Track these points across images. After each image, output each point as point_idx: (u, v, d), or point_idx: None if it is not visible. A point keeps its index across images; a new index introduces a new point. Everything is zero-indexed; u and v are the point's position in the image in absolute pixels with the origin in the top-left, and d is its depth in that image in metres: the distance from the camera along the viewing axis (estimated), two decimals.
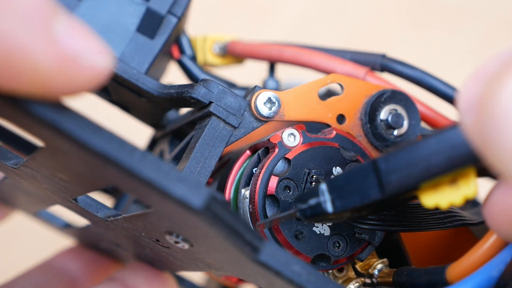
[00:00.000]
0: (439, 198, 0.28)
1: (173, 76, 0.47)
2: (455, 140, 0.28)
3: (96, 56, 0.25)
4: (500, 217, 0.27)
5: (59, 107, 0.25)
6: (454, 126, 0.28)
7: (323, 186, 0.30)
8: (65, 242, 0.48)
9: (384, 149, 0.36)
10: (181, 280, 0.47)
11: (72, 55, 0.24)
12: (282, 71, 0.45)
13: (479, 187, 0.28)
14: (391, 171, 0.29)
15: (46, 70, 0.23)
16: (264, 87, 0.42)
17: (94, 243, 0.44)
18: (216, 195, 0.27)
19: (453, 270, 0.31)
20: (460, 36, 0.88)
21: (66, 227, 0.45)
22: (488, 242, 0.30)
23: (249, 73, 0.52)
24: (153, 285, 0.39)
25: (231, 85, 0.42)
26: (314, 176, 0.34)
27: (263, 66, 0.43)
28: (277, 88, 0.42)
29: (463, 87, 0.27)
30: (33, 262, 0.44)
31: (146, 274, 0.39)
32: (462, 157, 0.27)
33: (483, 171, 0.28)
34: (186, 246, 0.31)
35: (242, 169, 0.36)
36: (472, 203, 0.40)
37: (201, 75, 0.42)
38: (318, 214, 0.31)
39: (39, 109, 0.25)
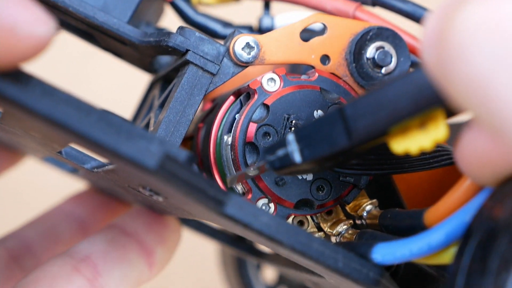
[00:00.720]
0: (409, 143, 0.28)
1: (172, 19, 0.46)
2: (419, 82, 0.27)
3: (34, 25, 0.24)
4: (471, 161, 0.27)
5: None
6: (419, 68, 0.27)
7: (290, 136, 0.30)
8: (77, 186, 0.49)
9: (371, 89, 0.35)
10: (200, 226, 0.47)
11: (8, 25, 0.24)
12: (278, 8, 0.44)
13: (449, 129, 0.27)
14: (357, 117, 0.28)
15: None
16: (259, 25, 0.41)
17: (102, 188, 0.45)
18: (172, 153, 0.27)
19: (430, 214, 0.30)
20: None
21: (73, 172, 0.46)
22: (463, 186, 0.29)
23: (245, 12, 0.51)
24: (153, 230, 0.39)
25: (227, 24, 0.42)
26: (293, 121, 0.34)
27: (259, 4, 0.42)
28: (273, 26, 0.41)
29: (424, 25, 0.25)
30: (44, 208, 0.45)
31: (146, 219, 0.40)
32: (428, 99, 0.26)
33: (452, 112, 0.27)
34: (160, 199, 0.31)
35: (226, 115, 0.36)
36: None
37: (196, 17, 0.41)
38: (287, 165, 0.30)
39: None
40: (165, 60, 0.41)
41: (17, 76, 0.26)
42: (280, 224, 0.29)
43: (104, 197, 0.46)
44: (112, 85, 0.83)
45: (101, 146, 0.26)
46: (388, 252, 0.30)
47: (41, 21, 0.24)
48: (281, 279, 0.54)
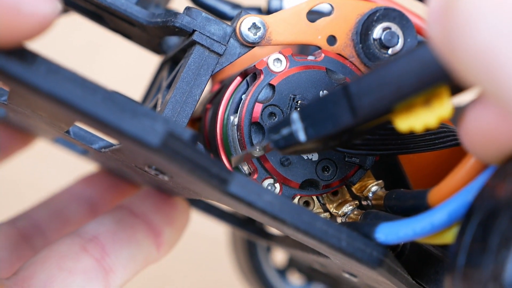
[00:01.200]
0: (413, 120, 0.28)
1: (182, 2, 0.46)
2: (425, 58, 0.27)
3: (38, 3, 0.25)
4: (475, 138, 0.26)
5: (4, 54, 0.25)
6: (424, 44, 0.27)
7: (295, 115, 0.30)
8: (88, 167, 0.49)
9: None
10: (209, 208, 0.47)
11: (12, 3, 0.24)
12: None
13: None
14: (362, 94, 0.28)
15: None
16: (268, 7, 0.41)
17: (112, 169, 0.45)
18: (175, 131, 0.27)
19: (434, 194, 0.30)
20: None
21: (84, 153, 0.46)
22: (466, 166, 0.29)
23: None
24: (161, 211, 0.40)
25: (236, 6, 0.42)
26: (299, 102, 0.34)
27: None
28: (281, 8, 0.41)
29: (430, 1, 0.25)
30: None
31: (154, 200, 0.40)
32: (433, 75, 0.26)
33: (457, 89, 0.27)
34: (166, 178, 0.31)
35: (233, 96, 0.36)
36: None
37: None
38: (292, 144, 0.30)
39: None
40: (173, 41, 0.41)
41: (22, 54, 0.26)
42: (284, 203, 0.29)
43: (114, 178, 0.46)
44: (123, 66, 0.83)
45: (106, 124, 0.26)
46: (391, 232, 0.30)
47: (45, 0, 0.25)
48: (291, 262, 0.54)
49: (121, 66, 0.83)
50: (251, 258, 0.54)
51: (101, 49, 0.83)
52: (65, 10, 0.42)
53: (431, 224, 0.29)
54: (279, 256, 0.55)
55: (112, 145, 0.35)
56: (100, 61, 0.85)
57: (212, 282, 0.75)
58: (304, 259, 0.46)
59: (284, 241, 0.42)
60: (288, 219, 0.29)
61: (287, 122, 0.30)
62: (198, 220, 0.52)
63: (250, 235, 0.46)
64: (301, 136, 0.30)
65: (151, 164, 0.31)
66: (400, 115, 0.28)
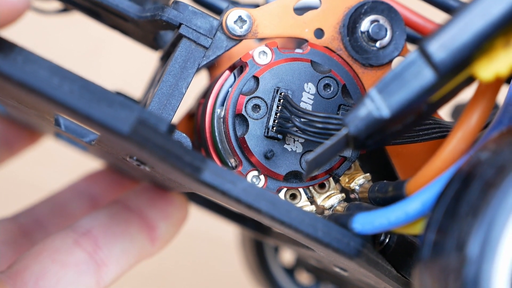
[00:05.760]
0: (497, 64, 0.27)
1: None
2: None
3: None
4: None
5: None
6: None
7: (372, 91, 0.28)
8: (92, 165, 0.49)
9: (365, 62, 0.35)
10: (209, 203, 0.47)
11: None
12: None
13: None
14: (441, 47, 0.27)
15: None
16: (266, 2, 0.41)
17: (114, 166, 0.46)
18: (148, 119, 0.28)
19: (410, 185, 0.30)
20: None
21: (85, 149, 0.46)
22: (441, 156, 0.29)
23: None
24: (156, 206, 0.40)
25: (234, 2, 0.42)
26: (282, 93, 0.34)
27: None
28: None
29: None
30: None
31: (150, 195, 0.40)
32: None
33: None
34: (147, 168, 0.32)
35: (222, 89, 0.36)
36: None
37: None
38: (373, 123, 0.28)
39: None
40: (170, 36, 0.41)
41: None
42: (259, 191, 0.29)
43: (117, 175, 0.47)
44: (128, 62, 0.84)
45: (78, 112, 0.27)
46: (367, 221, 0.30)
47: None
48: (299, 262, 0.54)
49: (125, 62, 0.83)
50: (259, 257, 0.54)
51: (106, 45, 0.84)
52: (66, 9, 0.43)
53: (406, 213, 0.29)
54: (287, 255, 0.55)
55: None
56: (105, 57, 0.85)
57: (214, 282, 0.75)
58: (303, 255, 0.46)
59: (279, 236, 0.42)
60: (263, 208, 0.29)
61: (361, 102, 0.28)
62: (202, 219, 0.52)
63: (248, 230, 0.46)
64: (384, 111, 0.28)
65: (131, 155, 0.31)
66: (482, 64, 0.27)
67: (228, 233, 0.59)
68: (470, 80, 0.28)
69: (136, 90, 0.52)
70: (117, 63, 0.84)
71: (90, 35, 0.61)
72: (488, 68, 0.27)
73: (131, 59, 0.78)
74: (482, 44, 0.26)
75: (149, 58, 0.49)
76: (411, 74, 0.27)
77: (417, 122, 0.29)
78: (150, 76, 0.45)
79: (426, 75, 0.27)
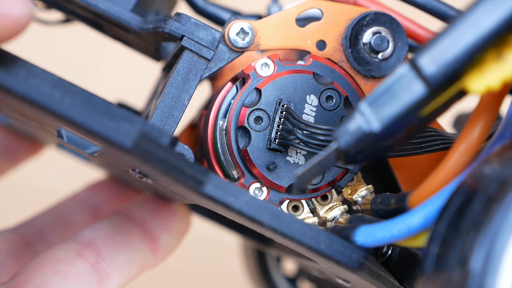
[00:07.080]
0: (489, 77, 0.26)
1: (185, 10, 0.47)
2: None
3: (9, 5, 0.25)
4: None
5: None
6: None
7: (362, 104, 0.27)
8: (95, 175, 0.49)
9: (367, 74, 0.35)
10: (212, 213, 0.47)
11: None
12: None
13: None
14: (431, 61, 0.27)
15: None
16: (268, 13, 0.41)
17: (116, 176, 0.46)
18: (150, 133, 0.28)
19: (413, 197, 0.30)
20: None
21: (87, 160, 0.46)
22: (444, 169, 0.29)
23: (256, 0, 0.51)
24: (158, 216, 0.40)
25: (236, 13, 0.42)
26: (285, 105, 0.34)
27: None
28: None
29: None
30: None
31: (152, 206, 0.40)
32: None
33: None
34: (149, 181, 0.32)
35: (224, 101, 0.36)
36: None
37: (206, 6, 0.42)
38: (363, 138, 0.27)
39: None
40: (172, 47, 0.41)
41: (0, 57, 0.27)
42: (261, 204, 0.29)
43: (119, 186, 0.47)
44: (128, 73, 0.84)
45: (80, 126, 0.27)
46: (369, 234, 0.30)
47: (17, 1, 0.25)
48: (301, 272, 0.54)
49: (126, 66, 0.83)
50: (261, 266, 0.54)
51: (107, 49, 0.84)
52: (68, 20, 0.43)
53: (408, 227, 0.29)
54: (289, 265, 0.55)
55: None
56: (106, 61, 0.85)
57: (217, 284, 0.75)
58: (305, 265, 0.46)
59: (282, 247, 0.42)
60: (266, 221, 0.29)
61: (352, 116, 0.28)
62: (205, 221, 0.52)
63: (251, 241, 0.46)
64: (374, 124, 0.27)
65: (134, 167, 0.31)
66: (473, 77, 0.27)
67: (231, 236, 0.59)
68: (461, 94, 0.27)
69: (137, 94, 0.52)
70: (119, 68, 0.84)
71: (91, 39, 0.61)
72: (480, 81, 0.26)
73: (132, 63, 0.78)
74: (473, 57, 0.26)
75: (150, 63, 0.49)
76: (402, 87, 0.27)
77: (407, 137, 0.29)
78: (151, 81, 0.46)
79: (417, 88, 0.27)
